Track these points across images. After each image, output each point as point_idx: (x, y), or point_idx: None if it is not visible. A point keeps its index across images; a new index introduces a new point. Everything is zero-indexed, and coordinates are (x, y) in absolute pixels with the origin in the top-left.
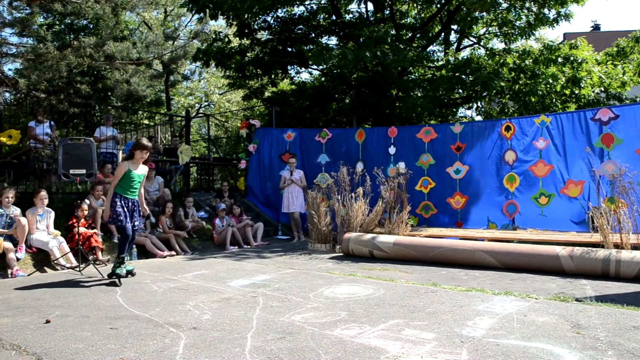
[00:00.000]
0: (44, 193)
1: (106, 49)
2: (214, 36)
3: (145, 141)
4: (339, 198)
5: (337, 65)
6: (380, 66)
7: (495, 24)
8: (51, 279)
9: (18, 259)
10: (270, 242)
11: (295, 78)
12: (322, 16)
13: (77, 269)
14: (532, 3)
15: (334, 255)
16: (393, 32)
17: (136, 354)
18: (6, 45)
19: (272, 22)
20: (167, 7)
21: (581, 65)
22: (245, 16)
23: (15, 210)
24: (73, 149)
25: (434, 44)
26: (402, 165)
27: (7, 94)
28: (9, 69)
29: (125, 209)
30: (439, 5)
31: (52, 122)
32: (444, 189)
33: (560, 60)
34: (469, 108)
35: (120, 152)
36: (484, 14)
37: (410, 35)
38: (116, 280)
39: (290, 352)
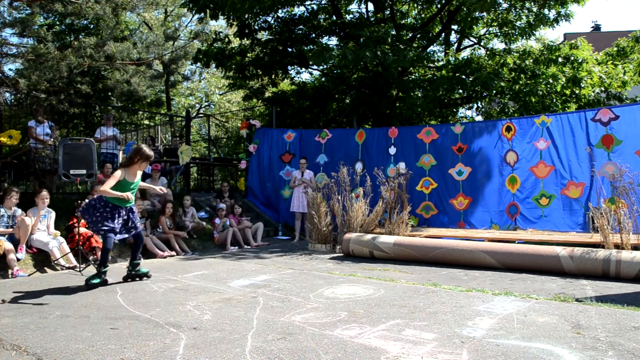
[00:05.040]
0: (45, 193)
1: (106, 49)
2: (214, 36)
3: (148, 151)
4: (340, 198)
5: (338, 66)
6: (381, 66)
7: (495, 24)
8: (51, 280)
9: (18, 260)
10: (271, 242)
11: (295, 78)
12: (322, 16)
13: (78, 269)
14: (532, 3)
15: (334, 255)
16: (393, 32)
17: (136, 354)
18: (6, 46)
19: (272, 22)
20: (168, 7)
21: (581, 65)
22: (246, 16)
23: (17, 211)
24: (73, 149)
25: (434, 44)
26: (402, 166)
27: (8, 94)
28: (10, 69)
29: (116, 218)
30: (439, 6)
31: (51, 123)
32: (447, 190)
33: (560, 60)
34: (469, 108)
35: (121, 152)
36: (484, 14)
37: (410, 35)
38: (90, 285)
39: (291, 353)
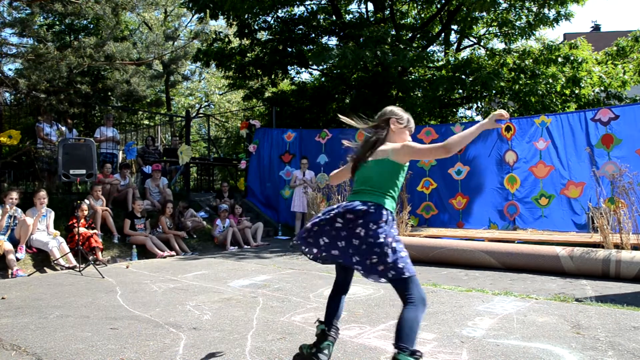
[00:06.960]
0: (42, 193)
1: (106, 49)
2: (214, 36)
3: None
4: (340, 198)
5: (337, 66)
6: (381, 66)
7: (495, 24)
8: (51, 279)
9: (18, 260)
10: (270, 242)
11: (295, 78)
12: (322, 16)
13: (77, 269)
14: (532, 3)
15: None
16: (393, 32)
17: (136, 354)
18: (6, 46)
19: (272, 22)
20: (167, 7)
21: (581, 65)
22: (246, 16)
23: (17, 211)
24: (73, 149)
25: (434, 44)
26: None
27: (7, 94)
28: (9, 69)
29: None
30: (439, 6)
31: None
32: (447, 190)
33: (560, 60)
34: (469, 108)
35: (120, 152)
36: (484, 14)
37: (410, 35)
38: None
39: (291, 353)
